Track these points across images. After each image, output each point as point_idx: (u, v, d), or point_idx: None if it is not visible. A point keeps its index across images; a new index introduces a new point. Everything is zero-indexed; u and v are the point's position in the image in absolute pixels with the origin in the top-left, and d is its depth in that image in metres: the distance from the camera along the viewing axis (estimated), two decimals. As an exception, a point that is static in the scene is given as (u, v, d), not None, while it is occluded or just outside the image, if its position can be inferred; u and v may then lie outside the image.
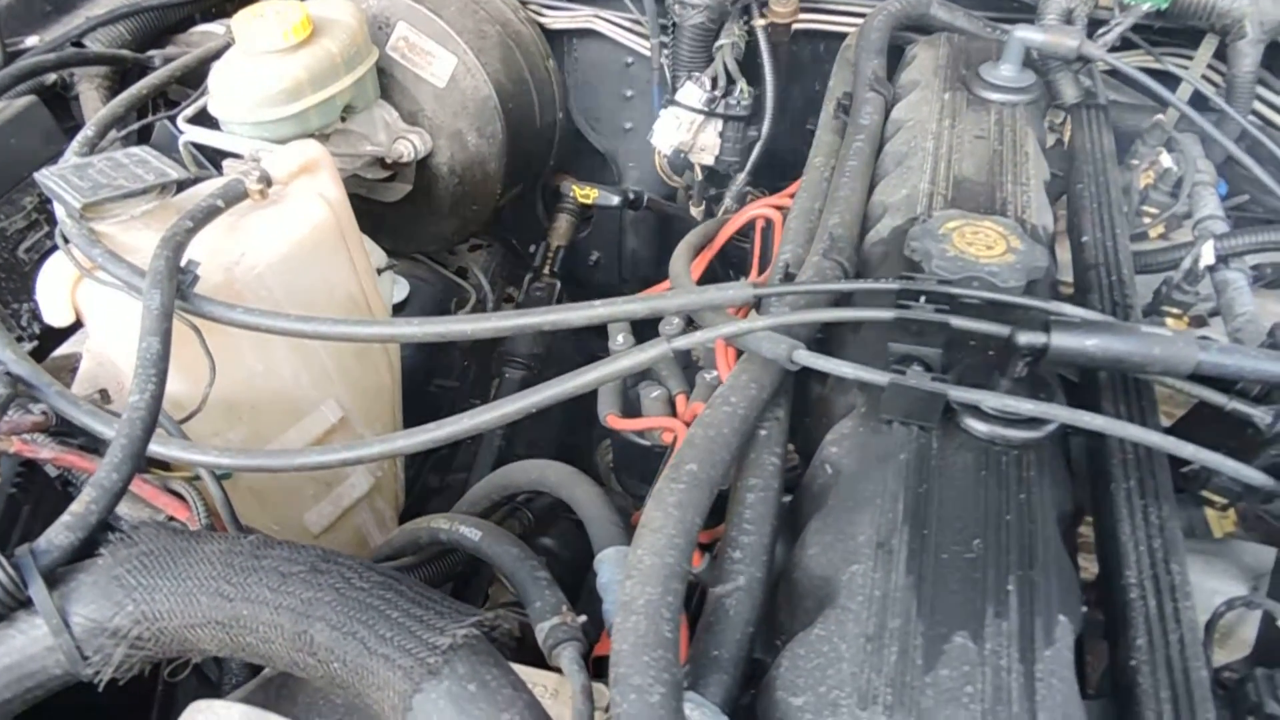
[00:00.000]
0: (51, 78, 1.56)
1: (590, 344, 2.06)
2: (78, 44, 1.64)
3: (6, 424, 0.98)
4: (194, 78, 1.65)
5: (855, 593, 0.77)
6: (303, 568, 0.76)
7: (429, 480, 1.91)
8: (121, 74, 1.67)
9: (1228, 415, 0.95)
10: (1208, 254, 1.23)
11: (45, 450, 1.00)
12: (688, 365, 1.43)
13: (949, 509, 0.84)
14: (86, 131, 1.31)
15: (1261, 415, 0.91)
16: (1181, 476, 1.02)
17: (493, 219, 1.92)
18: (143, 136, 1.64)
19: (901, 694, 0.70)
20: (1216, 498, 1.03)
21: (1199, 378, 0.91)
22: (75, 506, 0.79)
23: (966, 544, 0.81)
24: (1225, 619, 1.06)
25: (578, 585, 1.41)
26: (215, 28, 1.78)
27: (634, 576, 0.78)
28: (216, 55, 1.60)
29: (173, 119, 1.57)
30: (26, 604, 0.74)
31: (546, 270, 2.08)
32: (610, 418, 1.33)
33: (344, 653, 0.72)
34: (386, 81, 1.63)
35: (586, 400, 2.07)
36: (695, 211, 1.91)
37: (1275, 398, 0.92)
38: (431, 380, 1.88)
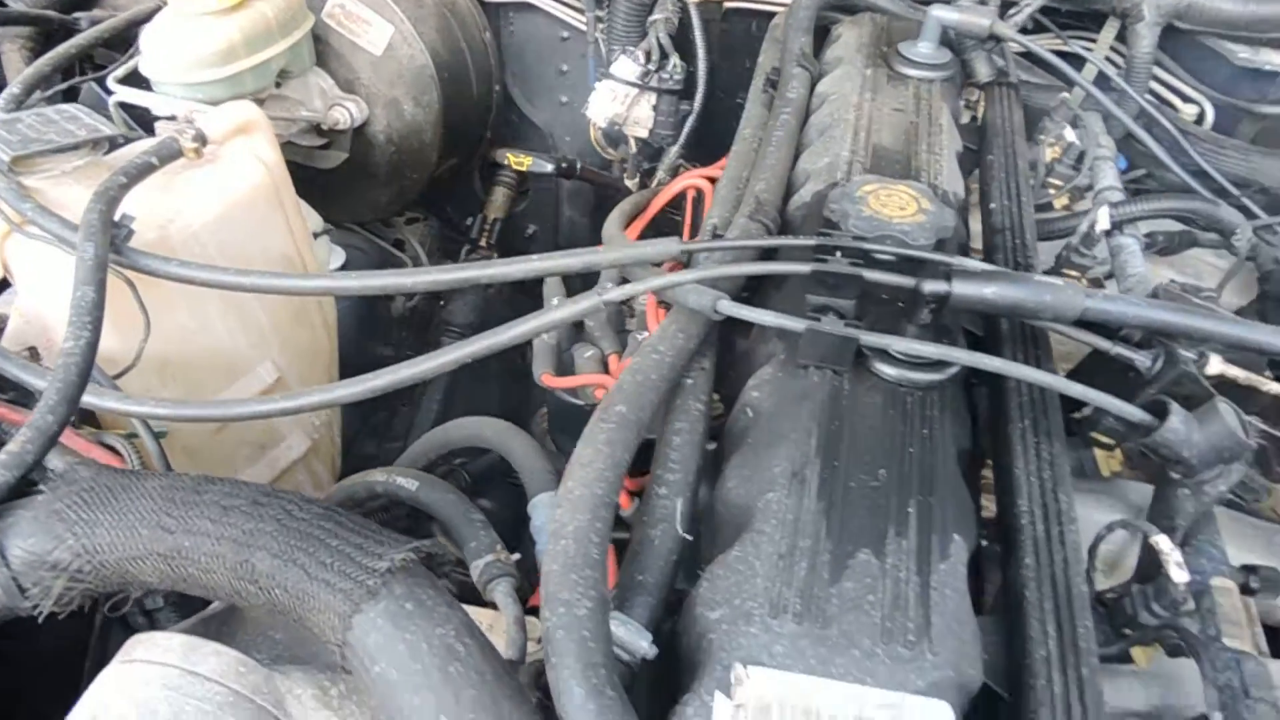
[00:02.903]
0: (-28, 37, 1.53)
1: (526, 313, 2.08)
2: (0, 3, 1.61)
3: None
4: (121, 41, 1.64)
5: (770, 517, 0.83)
6: (244, 501, 0.79)
7: (365, 447, 1.93)
8: (46, 35, 1.65)
9: (1113, 361, 1.03)
10: (1103, 219, 1.32)
11: (-29, 400, 1.00)
12: (622, 329, 1.48)
13: (858, 443, 0.90)
14: (12, 89, 1.30)
15: (1142, 359, 1.00)
16: (1073, 421, 1.10)
17: (429, 190, 1.93)
18: (68, 99, 1.62)
19: (809, 603, 0.76)
20: (1104, 439, 1.11)
21: (1087, 325, 0.99)
22: (11, 447, 0.81)
23: (873, 473, 0.87)
24: (1112, 551, 1.15)
25: (515, 546, 1.45)
26: (148, -11, 1.76)
27: (564, 506, 0.82)
28: (145, 18, 1.59)
29: (100, 81, 1.56)
30: (-35, 537, 0.76)
31: (483, 242, 2.11)
32: (545, 376, 1.37)
33: (285, 579, 0.75)
34: (322, 49, 1.63)
35: (525, 372, 2.11)
36: (630, 184, 1.96)
37: (1155, 343, 1.01)
38: (367, 348, 1.89)
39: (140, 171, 1.12)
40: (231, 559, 0.76)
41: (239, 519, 0.77)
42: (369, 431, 1.93)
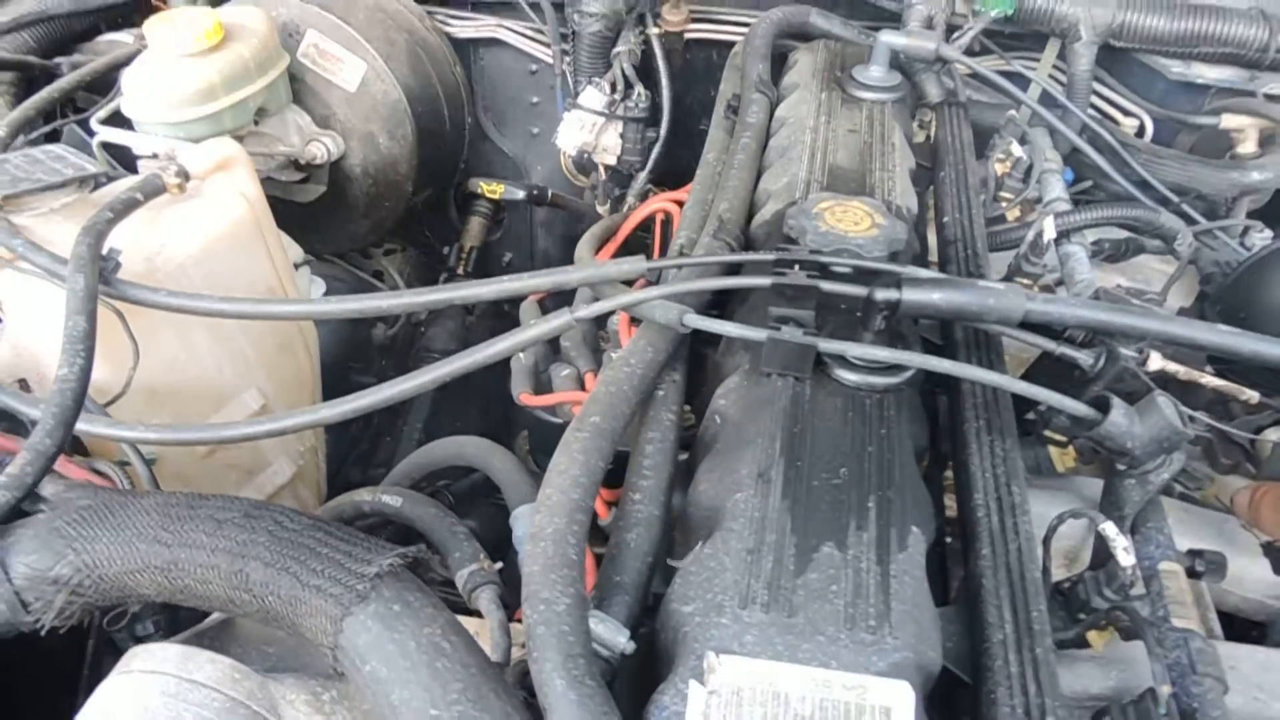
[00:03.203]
0: (-45, 83, 1.57)
1: (505, 339, 2.13)
2: (-18, 50, 1.65)
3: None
4: (101, 85, 1.68)
5: (738, 516, 0.87)
6: (236, 514, 0.82)
7: (350, 475, 1.96)
8: (27, 80, 1.69)
9: (1060, 362, 1.09)
10: (1049, 228, 1.38)
11: (-36, 431, 1.03)
12: (597, 349, 1.53)
13: (820, 444, 0.95)
14: (-2, 132, 1.34)
15: (1085, 357, 1.06)
16: (1027, 421, 1.16)
17: (406, 221, 1.98)
18: (49, 141, 1.66)
19: (776, 594, 0.80)
20: (1057, 436, 1.17)
21: (1032, 327, 1.05)
22: (10, 469, 0.84)
23: (834, 472, 0.92)
24: (1072, 546, 1.21)
25: (499, 562, 1.49)
26: (123, 36, 1.81)
27: (542, 511, 0.86)
28: (125, 62, 1.64)
29: (82, 123, 1.60)
30: (-32, 557, 0.79)
31: (460, 270, 2.16)
32: (523, 395, 1.41)
33: (278, 587, 0.79)
34: (298, 87, 1.69)
35: (504, 398, 2.15)
36: (601, 210, 2.02)
37: (1097, 343, 1.07)
38: (349, 377, 1.93)
39: (126, 207, 1.16)
40: (226, 569, 0.80)
41: (232, 531, 0.81)
42: (354, 460, 1.96)
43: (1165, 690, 0.84)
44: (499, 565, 1.02)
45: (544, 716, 0.73)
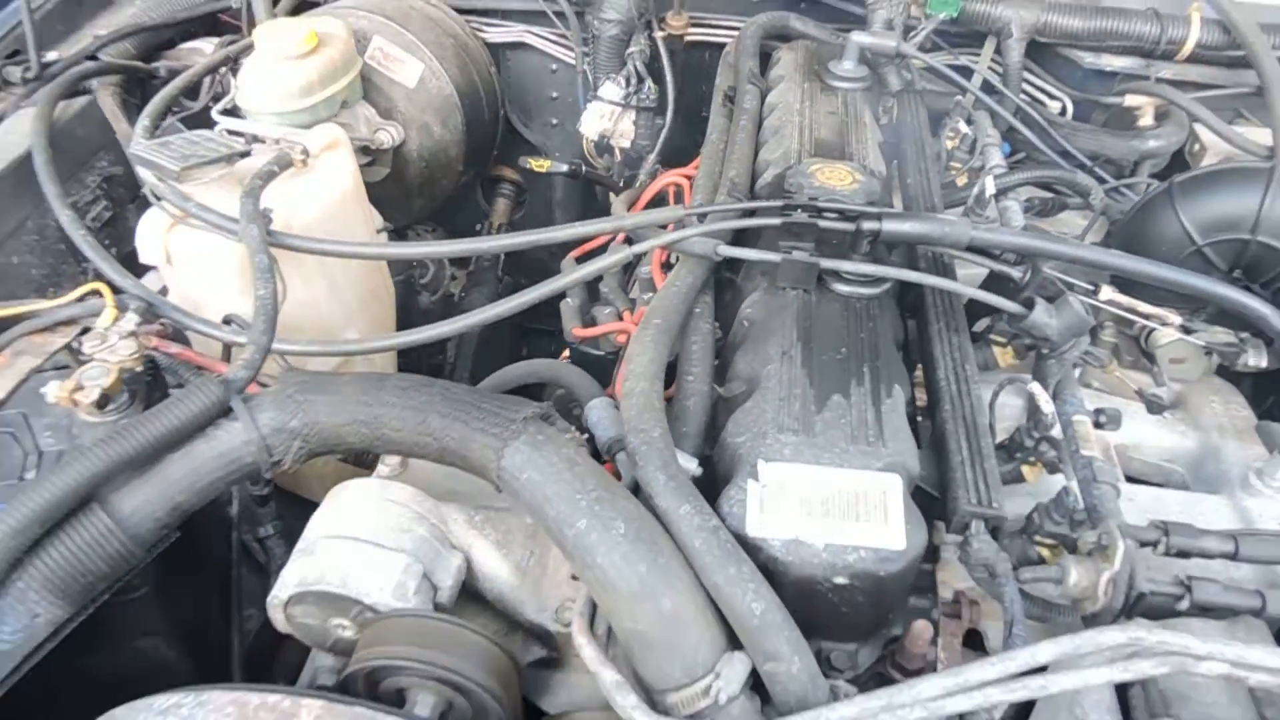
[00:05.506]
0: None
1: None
2: (93, 57, 1.94)
3: (146, 331, 1.32)
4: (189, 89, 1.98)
5: (770, 379, 1.21)
6: (413, 384, 1.14)
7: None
8: (130, 80, 1.98)
9: (998, 278, 1.45)
10: (989, 185, 1.74)
11: (173, 347, 1.33)
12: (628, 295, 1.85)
13: (825, 333, 1.29)
14: (143, 122, 1.64)
15: (1015, 272, 1.41)
16: (974, 333, 1.51)
17: (453, 199, 2.30)
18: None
19: (803, 423, 1.14)
20: (999, 338, 1.52)
21: (978, 250, 1.40)
22: (242, 355, 1.15)
23: (837, 350, 1.27)
24: (1009, 425, 1.55)
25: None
26: (204, 45, 2.11)
27: (630, 377, 1.20)
28: (216, 67, 1.94)
29: (185, 119, 1.90)
30: (227, 413, 1.10)
31: (490, 245, 2.47)
32: (575, 330, 1.74)
33: (453, 431, 1.10)
34: (365, 84, 1.99)
35: (535, 355, 2.45)
36: (618, 187, 2.35)
37: (1025, 261, 1.42)
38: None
39: (269, 176, 1.47)
40: (414, 420, 1.11)
41: (414, 394, 1.13)
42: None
43: (1074, 486, 1.20)
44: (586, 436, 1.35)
45: (648, 502, 1.05)
